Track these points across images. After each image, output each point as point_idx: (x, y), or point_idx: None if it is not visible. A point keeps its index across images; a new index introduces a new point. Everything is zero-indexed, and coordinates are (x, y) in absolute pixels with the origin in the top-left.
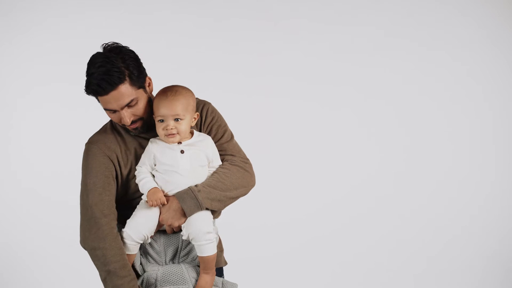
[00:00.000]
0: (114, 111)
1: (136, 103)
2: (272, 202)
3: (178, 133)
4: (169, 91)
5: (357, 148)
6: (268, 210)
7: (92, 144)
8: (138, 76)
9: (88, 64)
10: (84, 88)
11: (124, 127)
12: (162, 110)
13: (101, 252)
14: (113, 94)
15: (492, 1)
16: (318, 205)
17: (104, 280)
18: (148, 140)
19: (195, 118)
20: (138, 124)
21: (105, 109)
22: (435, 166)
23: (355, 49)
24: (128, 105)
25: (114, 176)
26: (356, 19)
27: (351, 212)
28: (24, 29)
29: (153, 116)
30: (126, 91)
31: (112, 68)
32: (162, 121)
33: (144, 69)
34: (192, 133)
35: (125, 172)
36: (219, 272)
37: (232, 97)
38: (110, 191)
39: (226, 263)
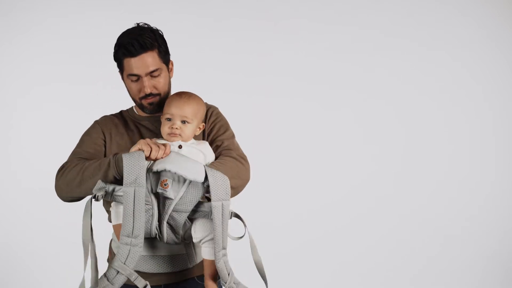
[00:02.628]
0: (138, 79)
1: (159, 75)
2: (271, 202)
3: (180, 135)
4: (184, 93)
5: (357, 148)
6: (268, 210)
7: (94, 122)
8: (165, 52)
9: (120, 35)
10: (114, 51)
11: (133, 117)
12: (173, 108)
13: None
14: (141, 57)
15: (492, 1)
16: (318, 205)
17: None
18: (148, 129)
19: (200, 128)
20: (154, 99)
21: (129, 75)
22: (435, 166)
23: (355, 49)
24: (152, 74)
25: (103, 146)
26: (356, 19)
27: (351, 212)
28: (24, 29)
29: (161, 117)
30: (153, 59)
31: (145, 34)
32: (169, 120)
33: (169, 51)
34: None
35: (113, 149)
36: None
37: (232, 97)
38: (92, 154)
39: None
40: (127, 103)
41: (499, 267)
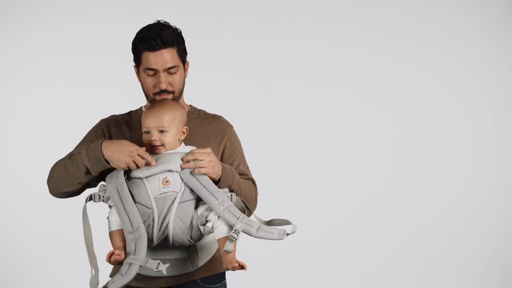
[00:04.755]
0: (154, 73)
1: (176, 72)
2: (270, 202)
3: (162, 145)
4: (156, 103)
5: (357, 147)
6: (267, 210)
7: (100, 121)
8: (183, 51)
9: (141, 29)
10: (134, 43)
11: (140, 115)
12: (148, 121)
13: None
14: (161, 52)
15: (492, 1)
16: (317, 204)
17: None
18: None
19: (183, 132)
20: (168, 96)
21: (146, 69)
22: (435, 166)
23: (355, 49)
24: (169, 71)
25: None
26: (356, 19)
27: (350, 211)
28: (24, 29)
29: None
30: (172, 56)
31: (166, 30)
32: (147, 133)
33: (187, 51)
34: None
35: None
36: (221, 277)
37: (232, 97)
38: None
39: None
40: (127, 103)
41: (499, 267)
